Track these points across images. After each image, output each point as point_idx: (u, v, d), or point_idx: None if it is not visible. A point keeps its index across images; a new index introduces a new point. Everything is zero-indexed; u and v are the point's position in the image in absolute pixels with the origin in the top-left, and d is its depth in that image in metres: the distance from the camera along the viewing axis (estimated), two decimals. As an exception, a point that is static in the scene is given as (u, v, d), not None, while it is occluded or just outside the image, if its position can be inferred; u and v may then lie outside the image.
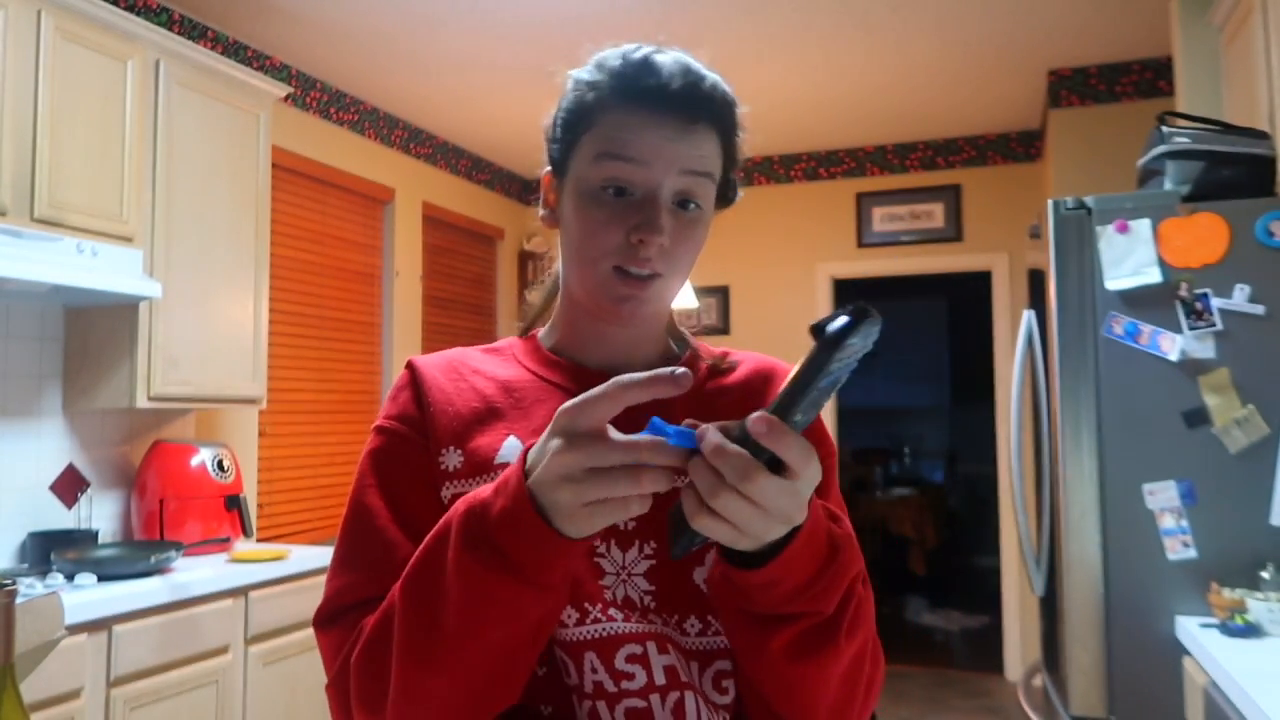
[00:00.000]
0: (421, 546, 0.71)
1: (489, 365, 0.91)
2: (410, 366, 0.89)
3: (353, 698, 0.74)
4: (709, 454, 0.61)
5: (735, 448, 0.61)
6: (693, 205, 0.81)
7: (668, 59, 0.82)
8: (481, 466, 0.82)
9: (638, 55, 0.83)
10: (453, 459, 0.83)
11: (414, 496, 0.82)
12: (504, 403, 0.87)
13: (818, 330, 0.62)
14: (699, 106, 0.80)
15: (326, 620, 0.80)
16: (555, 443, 0.63)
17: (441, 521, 0.71)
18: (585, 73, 0.85)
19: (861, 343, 0.61)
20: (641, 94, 0.80)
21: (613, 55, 0.84)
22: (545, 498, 0.63)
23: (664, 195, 0.80)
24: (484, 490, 0.68)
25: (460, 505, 0.69)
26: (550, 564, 0.65)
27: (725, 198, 0.88)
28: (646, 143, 0.79)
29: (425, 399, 0.86)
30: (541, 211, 0.89)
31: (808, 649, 0.73)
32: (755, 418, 0.60)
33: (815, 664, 0.73)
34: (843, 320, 0.60)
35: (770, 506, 0.61)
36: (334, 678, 0.77)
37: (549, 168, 0.88)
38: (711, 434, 0.61)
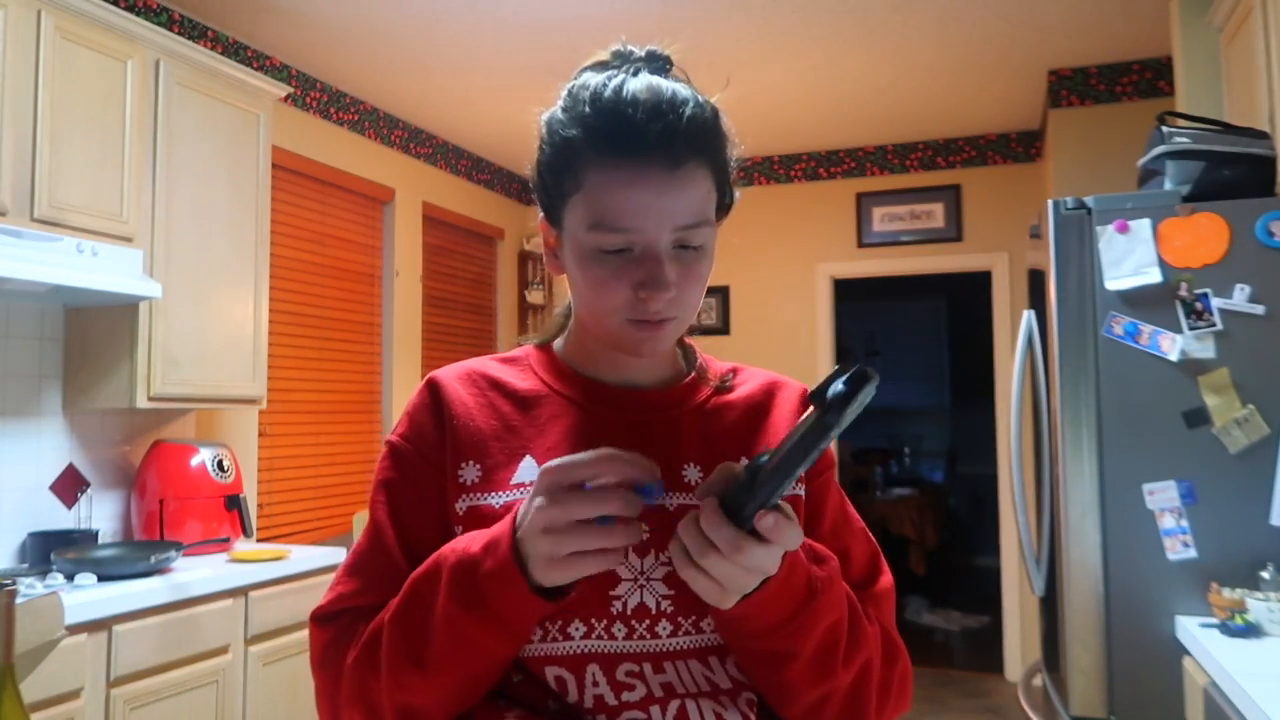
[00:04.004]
0: (409, 584, 0.78)
1: (507, 377, 0.92)
2: (432, 383, 0.90)
3: (345, 688, 0.81)
4: (706, 528, 0.68)
5: (728, 528, 0.67)
6: (694, 246, 0.81)
7: (642, 92, 0.78)
8: (498, 483, 0.85)
9: (608, 95, 0.79)
10: (471, 473, 0.85)
11: (418, 518, 0.86)
12: (520, 421, 0.88)
13: (818, 397, 0.64)
14: (682, 148, 0.77)
15: (325, 618, 0.86)
16: (539, 500, 0.70)
17: (430, 563, 0.77)
18: (558, 117, 0.82)
19: (860, 404, 0.64)
20: (620, 148, 0.77)
21: (582, 93, 0.81)
22: (528, 548, 0.71)
23: (663, 249, 0.79)
24: (474, 544, 0.75)
25: (450, 556, 0.76)
26: (531, 619, 0.74)
27: (724, 207, 0.87)
28: (636, 206, 0.77)
29: (446, 413, 0.88)
30: (545, 256, 0.89)
31: (793, 687, 0.80)
32: (764, 515, 0.67)
33: (800, 695, 0.81)
34: (842, 387, 0.63)
35: (753, 567, 0.69)
36: (323, 666, 0.84)
37: (543, 215, 0.87)
38: (708, 508, 0.68)
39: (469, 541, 0.75)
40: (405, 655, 0.76)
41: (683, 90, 0.80)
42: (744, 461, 0.71)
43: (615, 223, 0.78)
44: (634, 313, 0.80)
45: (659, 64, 0.84)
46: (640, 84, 0.79)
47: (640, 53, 0.84)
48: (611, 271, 0.80)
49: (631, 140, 0.77)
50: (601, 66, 0.84)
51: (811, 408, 0.65)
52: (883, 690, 0.85)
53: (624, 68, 0.82)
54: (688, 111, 0.78)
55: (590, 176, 0.79)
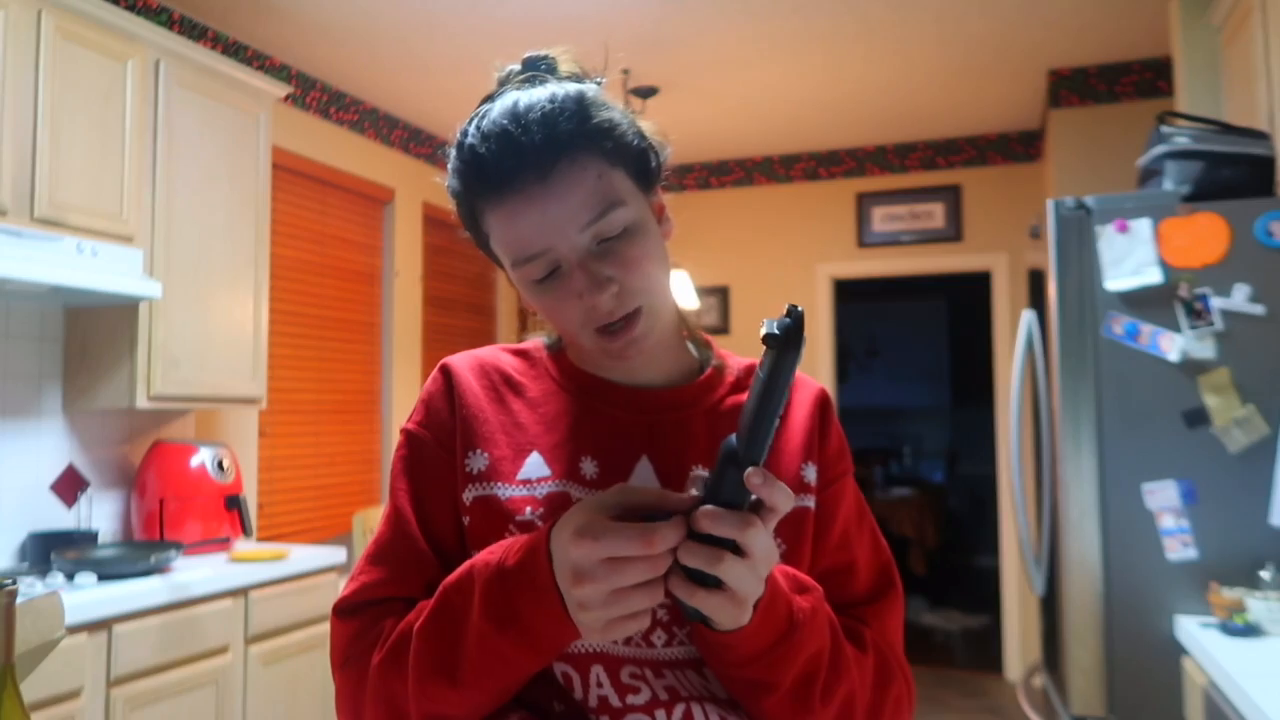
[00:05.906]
0: (440, 592, 0.77)
1: (517, 371, 0.92)
2: (445, 368, 0.91)
3: (369, 692, 0.80)
4: (711, 526, 0.65)
5: (729, 513, 0.66)
6: (616, 234, 0.79)
7: (494, 123, 0.78)
8: (504, 475, 0.84)
9: (468, 142, 0.80)
10: (478, 462, 0.85)
11: (438, 505, 0.86)
12: (528, 416, 0.88)
13: (774, 337, 0.64)
14: (544, 154, 0.76)
15: (348, 610, 0.84)
16: (574, 567, 0.67)
17: (462, 573, 0.76)
18: (450, 180, 0.84)
19: (804, 335, 0.66)
20: (491, 187, 0.79)
21: (454, 150, 0.83)
22: (570, 604, 0.69)
23: (584, 252, 0.78)
24: (509, 556, 0.73)
25: (482, 570, 0.74)
26: (567, 639, 0.73)
27: (650, 174, 0.84)
28: (530, 230, 0.77)
29: (458, 401, 0.88)
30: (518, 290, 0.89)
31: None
32: (752, 472, 0.65)
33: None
34: (787, 319, 0.65)
35: (761, 550, 0.67)
36: (346, 664, 0.82)
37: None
38: (701, 514, 0.66)
39: (504, 553, 0.74)
40: (435, 668, 0.75)
41: (537, 95, 0.79)
42: (698, 470, 0.72)
43: (524, 253, 0.79)
44: (594, 321, 0.80)
45: (536, 70, 0.85)
46: (496, 111, 0.79)
47: (517, 67, 0.86)
48: (554, 296, 0.80)
49: (495, 175, 0.78)
50: (488, 99, 0.85)
51: (767, 349, 0.65)
52: (871, 716, 0.84)
53: (495, 94, 0.83)
54: (535, 116, 0.77)
55: (488, 222, 0.81)
